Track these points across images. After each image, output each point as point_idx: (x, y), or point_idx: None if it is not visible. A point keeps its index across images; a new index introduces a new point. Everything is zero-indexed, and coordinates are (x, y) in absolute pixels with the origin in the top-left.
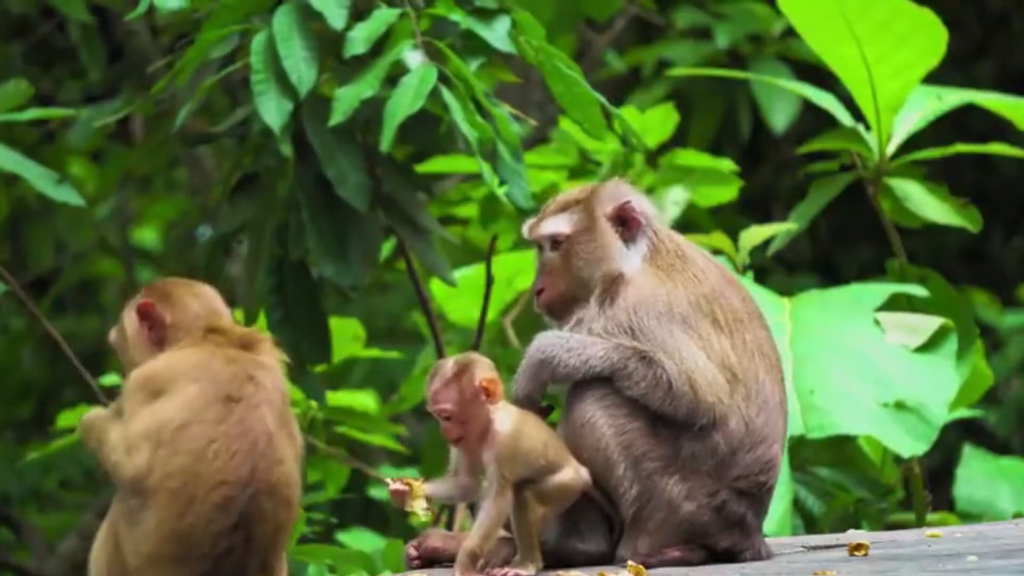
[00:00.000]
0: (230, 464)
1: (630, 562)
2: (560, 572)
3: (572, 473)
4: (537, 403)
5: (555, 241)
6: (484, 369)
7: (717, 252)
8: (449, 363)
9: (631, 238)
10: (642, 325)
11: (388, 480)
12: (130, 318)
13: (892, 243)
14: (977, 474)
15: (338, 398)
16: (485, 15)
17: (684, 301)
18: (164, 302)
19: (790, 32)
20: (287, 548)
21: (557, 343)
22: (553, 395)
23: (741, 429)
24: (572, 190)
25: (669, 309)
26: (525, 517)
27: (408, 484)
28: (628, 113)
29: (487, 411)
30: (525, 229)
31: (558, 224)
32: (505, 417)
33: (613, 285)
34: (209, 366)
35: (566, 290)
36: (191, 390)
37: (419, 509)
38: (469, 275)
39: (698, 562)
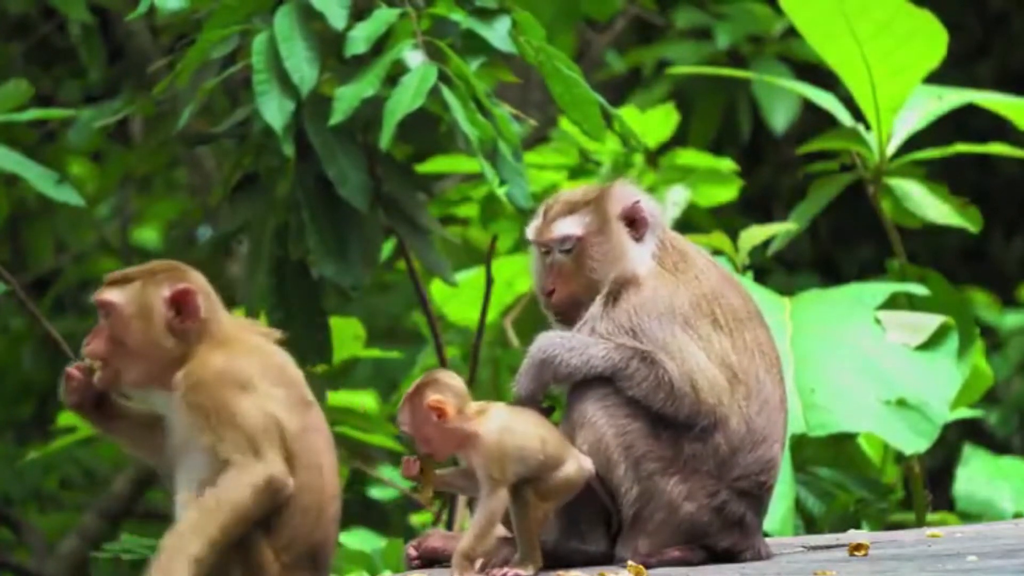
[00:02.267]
0: (334, 477)
1: (630, 562)
2: (560, 572)
3: (575, 466)
4: (539, 403)
5: (566, 244)
6: (436, 390)
7: (717, 252)
8: (416, 382)
9: (639, 238)
10: (643, 326)
11: (405, 461)
12: (153, 302)
13: (892, 243)
14: (977, 474)
15: (338, 398)
16: (485, 15)
17: (685, 302)
18: (200, 292)
19: (790, 32)
20: None
21: (559, 343)
22: (555, 396)
23: (742, 429)
24: (575, 191)
25: (671, 310)
26: (526, 517)
27: (422, 472)
28: (628, 113)
29: (449, 428)
30: (531, 232)
31: (570, 226)
32: (492, 419)
33: (623, 286)
34: (285, 368)
35: (577, 291)
36: (279, 393)
37: (427, 496)
38: (469, 277)
39: (698, 562)
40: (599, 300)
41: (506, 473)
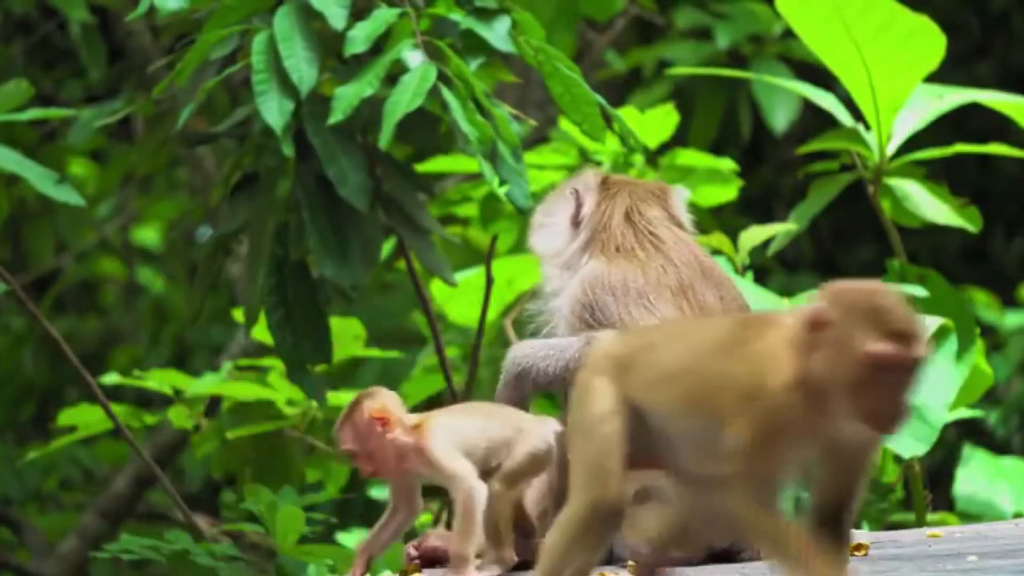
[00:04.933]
0: None
1: (630, 562)
2: None
3: (534, 441)
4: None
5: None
6: (374, 400)
7: (717, 252)
8: (350, 403)
9: (577, 221)
10: (599, 302)
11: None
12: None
13: (892, 243)
14: (977, 474)
15: (338, 398)
16: (485, 15)
17: (640, 282)
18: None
19: (790, 32)
20: None
21: (531, 353)
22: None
23: None
24: None
25: (624, 286)
26: (491, 513)
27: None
28: (628, 113)
29: (393, 439)
30: None
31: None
32: (432, 427)
33: (561, 263)
34: None
35: None
36: None
37: None
38: (469, 277)
39: (698, 562)
40: (554, 278)
41: (458, 467)
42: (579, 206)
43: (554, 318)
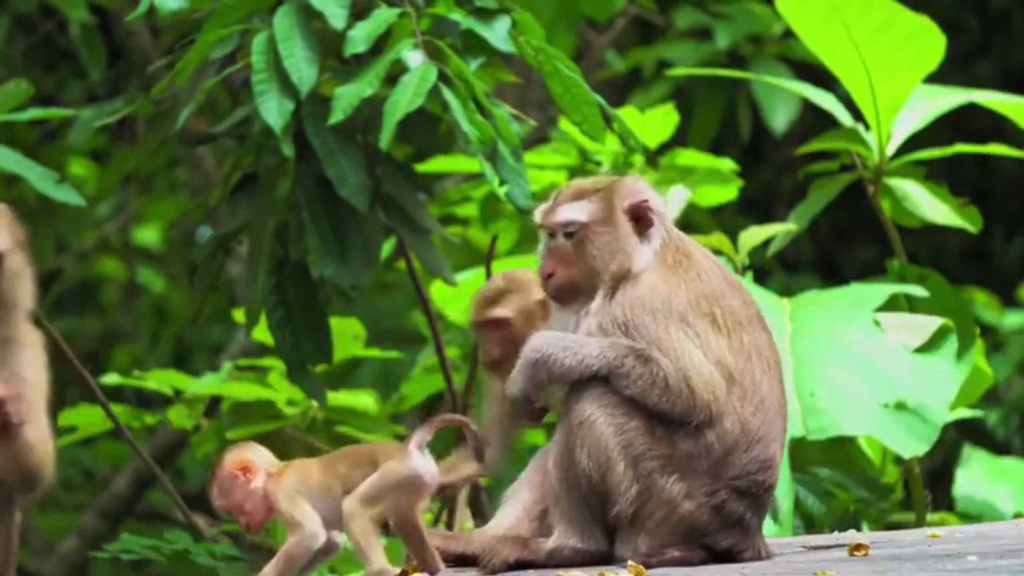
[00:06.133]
0: None
1: (630, 562)
2: (560, 572)
3: (391, 467)
4: (532, 403)
5: (569, 229)
6: (236, 453)
7: (717, 252)
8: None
9: (643, 235)
10: (636, 321)
11: None
12: None
13: (892, 243)
14: (977, 474)
15: (338, 398)
16: (485, 15)
17: (683, 299)
18: None
19: (790, 32)
20: None
21: (553, 343)
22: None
23: (736, 429)
24: (587, 179)
25: (667, 306)
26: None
27: None
28: (628, 113)
29: (257, 488)
30: (539, 214)
31: (575, 211)
32: (282, 475)
33: (621, 281)
34: None
35: (576, 278)
36: None
37: None
38: (469, 278)
39: (698, 562)
40: (600, 294)
41: (298, 513)
42: (649, 216)
43: (584, 319)
